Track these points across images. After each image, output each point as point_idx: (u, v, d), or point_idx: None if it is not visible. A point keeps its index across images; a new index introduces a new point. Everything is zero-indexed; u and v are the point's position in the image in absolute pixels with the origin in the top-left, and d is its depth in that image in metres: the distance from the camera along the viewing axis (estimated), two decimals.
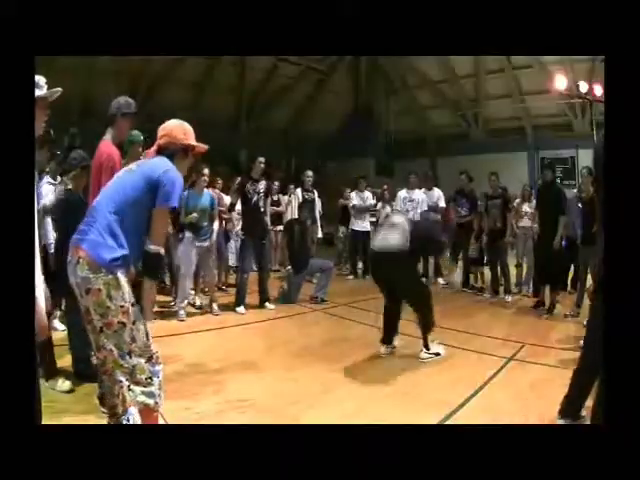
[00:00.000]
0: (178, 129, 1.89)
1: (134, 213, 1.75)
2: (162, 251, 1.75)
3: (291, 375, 2.90)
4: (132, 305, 1.72)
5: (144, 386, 1.73)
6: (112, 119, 2.56)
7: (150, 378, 1.74)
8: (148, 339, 1.76)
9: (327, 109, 13.75)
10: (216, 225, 4.73)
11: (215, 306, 4.60)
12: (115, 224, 1.71)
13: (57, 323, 3.32)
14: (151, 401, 1.75)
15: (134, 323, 1.71)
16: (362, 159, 13.09)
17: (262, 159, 4.81)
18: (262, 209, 4.80)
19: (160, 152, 1.86)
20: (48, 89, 1.55)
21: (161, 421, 2.15)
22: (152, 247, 1.74)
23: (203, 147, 1.97)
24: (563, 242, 4.73)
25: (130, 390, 1.73)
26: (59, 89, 1.56)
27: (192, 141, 1.92)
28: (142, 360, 1.73)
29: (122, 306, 1.68)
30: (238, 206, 5.02)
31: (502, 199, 5.57)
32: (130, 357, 1.71)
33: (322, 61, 12.51)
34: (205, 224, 4.48)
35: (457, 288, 6.25)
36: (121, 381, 1.72)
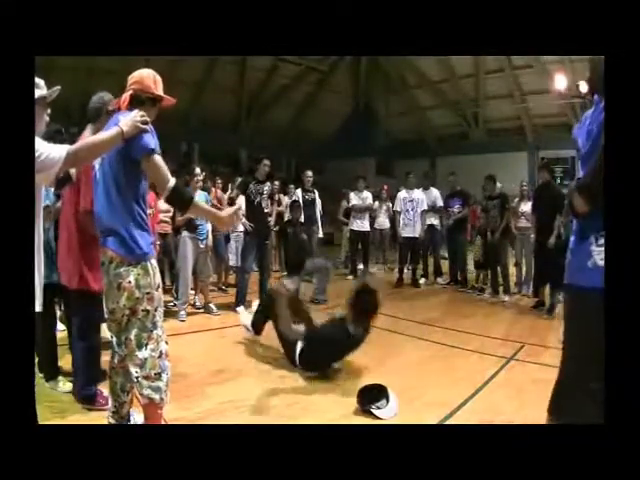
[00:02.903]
0: (149, 78, 1.84)
1: (131, 188, 1.74)
2: (173, 182, 1.73)
3: (291, 375, 2.90)
4: (156, 290, 1.77)
5: (152, 381, 1.76)
6: (96, 114, 2.30)
7: (159, 374, 1.77)
8: (161, 322, 1.82)
9: (327, 109, 13.75)
10: (209, 225, 4.74)
11: (212, 306, 4.60)
12: (125, 211, 1.72)
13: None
14: (157, 396, 1.77)
15: (156, 309, 1.77)
16: (362, 159, 13.10)
17: (267, 161, 4.79)
18: (265, 210, 4.79)
19: (131, 101, 1.79)
20: (48, 89, 1.56)
21: (161, 421, 2.15)
22: (168, 186, 1.72)
23: (171, 100, 1.91)
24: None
25: (138, 383, 1.77)
26: (58, 87, 1.57)
27: (161, 92, 1.86)
28: (155, 354, 1.76)
29: (148, 293, 1.74)
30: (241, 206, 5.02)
31: (501, 199, 5.58)
32: (145, 349, 1.75)
33: (322, 61, 12.50)
34: (203, 222, 4.49)
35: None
36: (135, 374, 1.76)
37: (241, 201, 4.98)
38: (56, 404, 2.32)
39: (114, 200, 1.73)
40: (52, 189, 2.36)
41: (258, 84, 12.38)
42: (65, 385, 2.53)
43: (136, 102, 1.79)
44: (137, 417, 2.08)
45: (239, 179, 5.19)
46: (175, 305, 4.55)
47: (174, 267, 4.79)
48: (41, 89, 1.53)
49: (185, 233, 4.41)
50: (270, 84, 12.52)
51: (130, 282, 1.71)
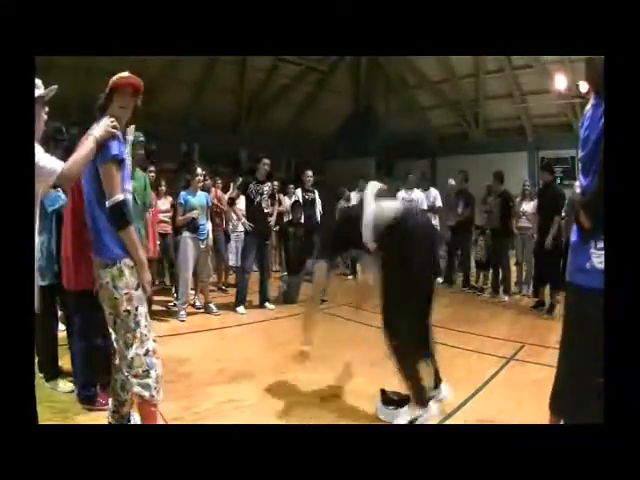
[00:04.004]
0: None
1: (101, 190, 1.78)
2: (120, 197, 1.76)
3: (291, 375, 2.90)
4: (135, 289, 1.80)
5: (141, 378, 1.80)
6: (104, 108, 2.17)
7: (147, 371, 1.81)
8: (147, 319, 1.85)
9: (327, 109, 13.73)
10: (209, 224, 4.75)
11: (212, 306, 4.61)
12: (97, 213, 1.80)
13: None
14: (146, 393, 1.80)
15: (137, 309, 1.81)
16: (362, 159, 13.08)
17: (267, 161, 4.79)
18: (265, 210, 4.78)
19: (99, 112, 1.86)
20: (46, 88, 1.56)
21: (161, 421, 2.15)
22: (108, 201, 1.75)
23: (125, 77, 1.83)
24: (563, 242, 4.73)
25: (129, 381, 1.81)
26: (55, 87, 1.57)
27: (116, 81, 1.83)
28: (140, 352, 1.80)
29: (126, 293, 1.78)
30: (241, 205, 5.02)
31: (503, 198, 5.57)
32: (131, 348, 1.79)
33: (322, 61, 12.48)
34: (203, 223, 4.49)
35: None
36: (126, 373, 1.81)
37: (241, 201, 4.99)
38: (56, 404, 2.32)
39: (89, 202, 1.83)
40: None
41: (258, 84, 12.35)
42: (65, 385, 2.53)
43: (102, 109, 1.86)
44: (137, 418, 2.08)
45: (240, 179, 5.19)
46: (175, 305, 4.55)
47: (174, 267, 4.79)
48: (38, 89, 1.53)
49: (186, 233, 4.41)
50: (270, 84, 12.50)
51: (108, 282, 1.79)
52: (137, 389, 1.80)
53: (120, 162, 1.79)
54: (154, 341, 1.87)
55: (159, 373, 1.84)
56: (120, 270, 1.78)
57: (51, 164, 1.49)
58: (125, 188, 1.82)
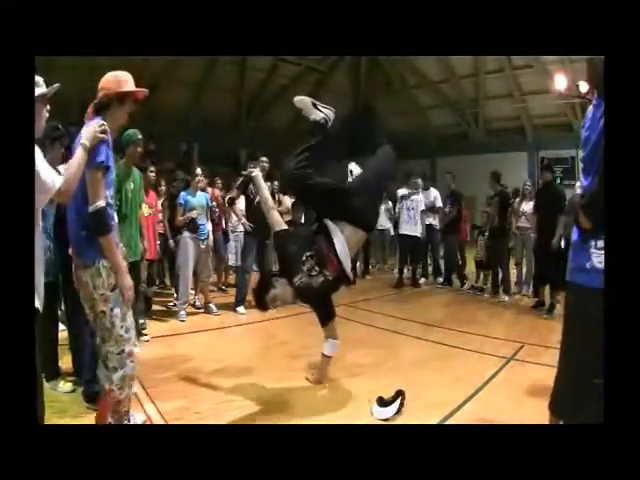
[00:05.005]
0: (111, 79, 1.88)
1: (82, 191, 1.78)
2: (101, 204, 1.77)
3: (291, 375, 2.90)
4: (111, 291, 1.82)
5: (109, 371, 1.87)
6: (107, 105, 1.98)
7: (115, 368, 1.86)
8: (124, 320, 1.86)
9: None
10: (210, 224, 4.75)
11: (212, 306, 4.60)
12: (76, 215, 1.83)
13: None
14: (106, 384, 1.88)
15: (112, 310, 1.83)
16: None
17: (265, 159, 4.78)
18: None
19: (97, 108, 1.86)
20: (47, 86, 1.56)
21: (161, 421, 2.16)
22: (90, 207, 1.76)
23: (141, 91, 1.92)
24: (562, 242, 4.73)
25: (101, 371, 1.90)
26: (57, 85, 1.57)
27: (127, 88, 1.88)
28: (114, 350, 1.85)
29: (102, 294, 1.81)
30: (242, 206, 5.01)
31: (500, 198, 5.56)
32: (106, 344, 1.86)
33: (322, 61, 12.50)
34: (203, 223, 4.49)
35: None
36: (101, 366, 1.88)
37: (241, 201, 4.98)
38: (56, 404, 2.32)
39: (71, 204, 1.84)
40: None
41: (258, 84, 12.39)
42: (65, 385, 2.53)
43: (102, 106, 1.86)
44: (137, 418, 2.08)
45: (240, 179, 5.18)
46: (175, 305, 4.55)
47: (174, 267, 4.79)
48: (40, 87, 1.53)
49: (186, 233, 4.40)
50: (270, 84, 12.53)
51: (87, 283, 1.81)
52: (102, 376, 1.88)
53: (106, 169, 1.79)
54: (135, 345, 1.91)
55: (127, 374, 1.88)
56: (98, 270, 1.80)
57: (51, 178, 1.46)
58: (107, 195, 1.82)
